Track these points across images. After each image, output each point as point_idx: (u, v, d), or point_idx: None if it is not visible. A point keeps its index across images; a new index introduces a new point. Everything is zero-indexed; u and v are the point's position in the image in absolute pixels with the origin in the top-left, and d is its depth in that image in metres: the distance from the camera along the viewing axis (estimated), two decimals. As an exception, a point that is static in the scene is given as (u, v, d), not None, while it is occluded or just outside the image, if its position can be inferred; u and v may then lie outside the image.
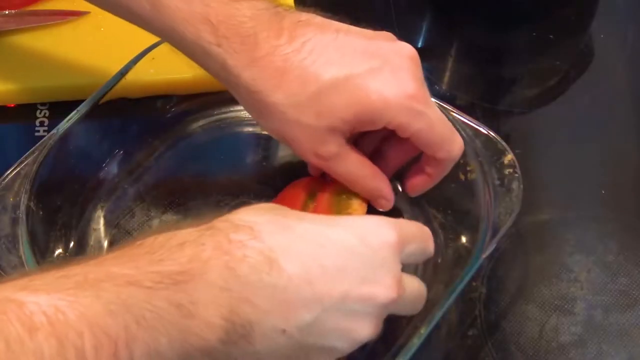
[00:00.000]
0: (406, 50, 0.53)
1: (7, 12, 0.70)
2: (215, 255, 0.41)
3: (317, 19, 0.53)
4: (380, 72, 0.51)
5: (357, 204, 0.57)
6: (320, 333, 0.44)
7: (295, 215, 0.46)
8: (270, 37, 0.50)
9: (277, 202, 0.60)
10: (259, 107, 0.52)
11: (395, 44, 0.53)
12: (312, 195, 0.61)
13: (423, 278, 0.59)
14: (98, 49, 0.70)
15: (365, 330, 0.46)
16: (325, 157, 0.53)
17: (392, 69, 0.51)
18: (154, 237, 0.42)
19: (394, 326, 0.57)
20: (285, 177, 0.65)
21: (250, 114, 0.55)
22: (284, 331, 0.43)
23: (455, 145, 0.54)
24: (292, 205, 0.58)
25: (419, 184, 0.58)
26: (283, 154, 0.66)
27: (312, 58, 0.50)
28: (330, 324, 0.44)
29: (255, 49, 0.50)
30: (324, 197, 0.59)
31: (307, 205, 0.60)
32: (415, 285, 0.50)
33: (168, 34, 0.53)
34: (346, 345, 0.46)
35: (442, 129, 0.53)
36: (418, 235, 0.50)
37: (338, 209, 0.57)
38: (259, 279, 0.42)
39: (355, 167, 0.55)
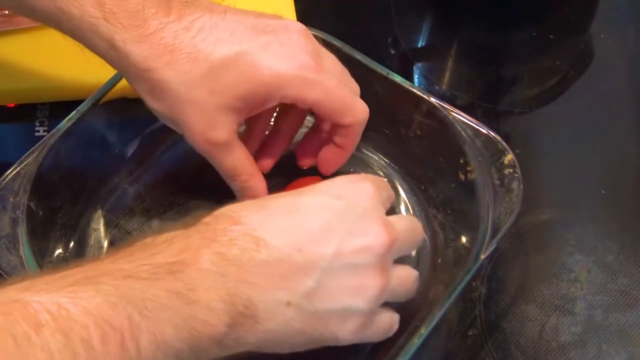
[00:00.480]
0: (294, 25, 0.53)
1: (7, 12, 0.70)
2: (204, 244, 0.43)
3: (204, 1, 0.52)
4: (270, 46, 0.51)
5: None
6: (329, 296, 0.45)
7: (268, 197, 0.48)
8: (158, 14, 0.50)
9: None
10: (150, 86, 0.51)
11: (283, 20, 0.53)
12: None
13: (423, 279, 0.60)
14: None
15: (373, 281, 0.46)
16: (214, 143, 0.53)
17: (282, 43, 0.51)
18: (147, 238, 0.43)
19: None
20: (285, 177, 0.65)
21: (141, 95, 0.53)
22: (289, 303, 0.43)
23: (357, 108, 0.55)
24: None
25: (331, 158, 0.58)
26: (283, 153, 0.66)
27: (202, 36, 0.50)
28: (334, 284, 0.45)
29: (144, 25, 0.50)
30: None
31: None
32: (405, 223, 0.50)
33: (58, 18, 0.51)
34: (362, 303, 0.46)
35: (341, 95, 0.53)
36: (385, 184, 0.52)
37: None
38: (250, 258, 0.43)
39: (240, 162, 0.55)
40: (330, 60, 0.54)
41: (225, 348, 0.43)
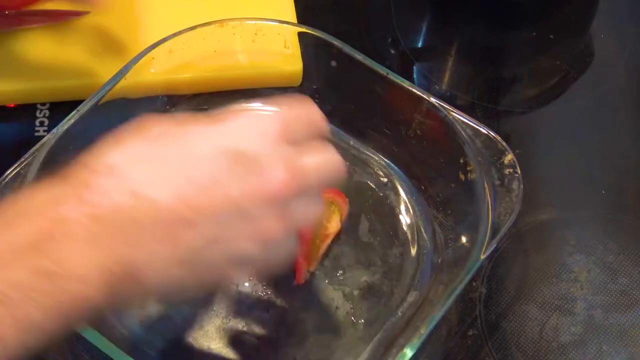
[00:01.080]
0: None
1: (7, 12, 0.70)
2: (75, 207, 0.39)
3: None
4: None
5: (336, 220, 0.61)
6: (220, 248, 0.42)
7: (163, 140, 0.42)
8: None
9: None
10: None
11: None
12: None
13: (423, 278, 0.60)
14: (98, 49, 0.70)
15: (271, 226, 0.43)
16: None
17: None
18: (12, 201, 0.39)
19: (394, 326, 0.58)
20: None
21: None
22: (175, 260, 0.41)
23: None
24: None
25: None
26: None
27: None
28: (225, 234, 0.42)
29: None
30: None
31: None
32: (316, 158, 0.45)
33: None
34: (257, 250, 0.43)
35: None
36: (298, 115, 0.46)
37: (320, 218, 0.58)
38: (129, 219, 0.39)
39: None
40: None
41: (107, 309, 0.40)
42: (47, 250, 0.37)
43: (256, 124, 0.44)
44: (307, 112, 0.47)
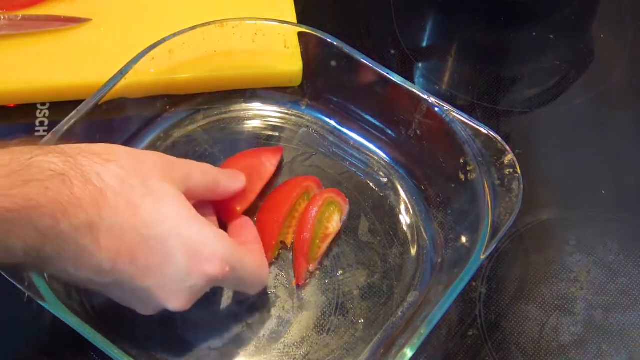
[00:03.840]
0: None
1: (8, 17, 0.70)
2: (51, 203, 0.44)
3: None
4: None
5: (336, 220, 0.62)
6: (102, 290, 0.50)
7: (152, 202, 0.49)
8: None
9: (274, 193, 0.62)
10: None
11: None
12: (307, 194, 0.62)
13: (423, 278, 0.60)
14: (98, 49, 0.70)
15: (140, 311, 0.52)
16: None
17: None
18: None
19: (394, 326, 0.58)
20: (284, 176, 0.65)
21: None
22: (71, 274, 0.48)
23: None
24: (286, 197, 0.60)
25: None
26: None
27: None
28: (115, 292, 0.50)
29: None
30: (317, 201, 0.60)
31: (300, 201, 0.61)
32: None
33: None
34: (114, 300, 0.52)
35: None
36: (247, 281, 0.54)
37: (320, 218, 0.61)
38: (73, 237, 0.46)
39: None
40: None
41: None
42: (11, 220, 0.43)
43: (213, 264, 0.51)
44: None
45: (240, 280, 0.53)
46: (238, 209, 0.60)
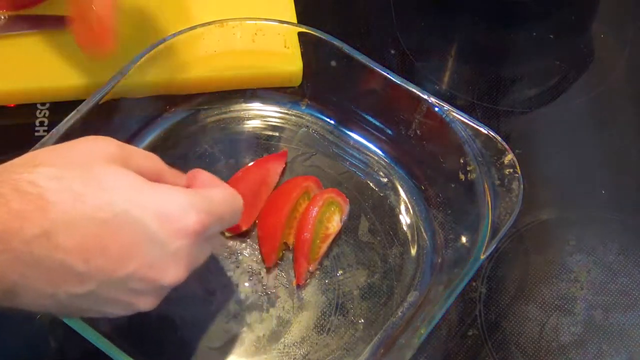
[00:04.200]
0: None
1: (9, 16, 0.70)
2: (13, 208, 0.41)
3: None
4: None
5: (337, 220, 0.61)
6: (95, 302, 0.46)
7: (97, 184, 0.45)
8: None
9: (274, 194, 0.62)
10: None
11: None
12: (307, 194, 0.62)
13: (423, 278, 0.60)
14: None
15: (145, 304, 0.48)
16: None
17: None
18: None
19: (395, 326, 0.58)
20: (284, 176, 0.65)
21: None
22: (52, 295, 0.44)
23: None
24: (287, 198, 0.60)
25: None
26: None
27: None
28: (106, 296, 0.46)
29: None
30: (317, 201, 0.60)
31: (300, 201, 0.61)
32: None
33: None
34: (122, 313, 0.48)
35: None
36: (227, 216, 0.50)
37: (321, 218, 0.61)
38: (30, 252, 0.42)
39: None
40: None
41: None
42: None
43: (190, 218, 0.47)
44: (235, 213, 0.52)
45: (221, 219, 0.50)
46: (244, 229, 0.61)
